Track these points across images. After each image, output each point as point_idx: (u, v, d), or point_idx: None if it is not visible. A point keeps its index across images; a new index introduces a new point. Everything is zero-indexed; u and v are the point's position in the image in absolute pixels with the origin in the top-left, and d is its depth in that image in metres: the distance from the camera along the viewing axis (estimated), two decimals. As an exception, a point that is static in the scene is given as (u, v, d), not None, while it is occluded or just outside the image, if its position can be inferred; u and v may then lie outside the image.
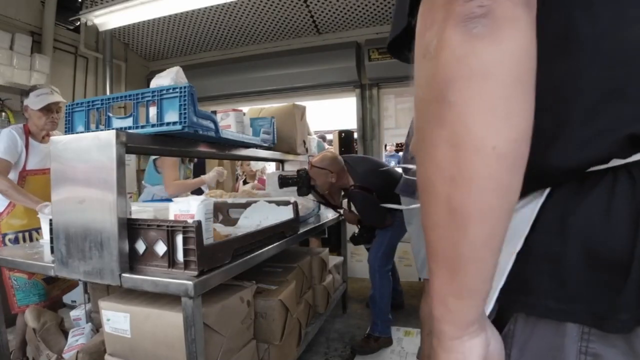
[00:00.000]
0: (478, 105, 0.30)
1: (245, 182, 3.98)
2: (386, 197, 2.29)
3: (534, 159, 0.33)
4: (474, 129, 0.30)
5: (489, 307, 0.39)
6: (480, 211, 0.32)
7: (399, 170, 2.32)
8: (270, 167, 4.08)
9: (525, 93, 0.31)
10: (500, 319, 0.42)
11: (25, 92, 2.09)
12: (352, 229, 2.69)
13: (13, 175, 1.95)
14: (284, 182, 2.36)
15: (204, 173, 4.82)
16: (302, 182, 2.21)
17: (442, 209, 0.33)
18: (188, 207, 1.20)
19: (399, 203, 2.28)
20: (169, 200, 1.75)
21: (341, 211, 2.59)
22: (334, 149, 4.21)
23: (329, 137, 4.68)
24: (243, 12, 3.67)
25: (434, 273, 0.36)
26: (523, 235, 0.39)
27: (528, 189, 0.37)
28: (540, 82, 0.32)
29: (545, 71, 0.32)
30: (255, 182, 3.72)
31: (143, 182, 2.97)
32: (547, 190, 0.38)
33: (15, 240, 1.97)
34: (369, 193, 2.24)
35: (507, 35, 0.30)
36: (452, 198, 0.32)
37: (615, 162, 0.35)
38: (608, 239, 0.34)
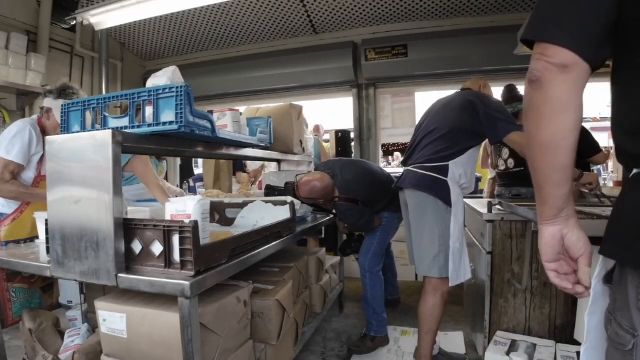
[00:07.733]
0: (533, 120, 0.66)
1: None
2: (373, 202, 2.29)
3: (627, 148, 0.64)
4: (531, 130, 0.67)
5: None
6: (538, 167, 0.68)
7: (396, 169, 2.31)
8: (272, 167, 4.07)
9: (555, 116, 0.63)
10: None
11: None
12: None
13: (25, 181, 1.88)
14: (269, 193, 2.39)
15: (191, 173, 4.75)
16: (288, 194, 2.21)
17: (530, 163, 0.69)
18: (185, 207, 1.20)
19: (387, 207, 2.28)
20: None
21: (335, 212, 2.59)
22: (330, 149, 4.21)
23: (326, 137, 4.67)
24: (240, 12, 3.67)
25: (536, 193, 0.71)
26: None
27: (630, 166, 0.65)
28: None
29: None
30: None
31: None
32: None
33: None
34: (355, 203, 2.23)
35: (547, 89, 0.63)
36: (530, 159, 0.69)
37: None
38: None
